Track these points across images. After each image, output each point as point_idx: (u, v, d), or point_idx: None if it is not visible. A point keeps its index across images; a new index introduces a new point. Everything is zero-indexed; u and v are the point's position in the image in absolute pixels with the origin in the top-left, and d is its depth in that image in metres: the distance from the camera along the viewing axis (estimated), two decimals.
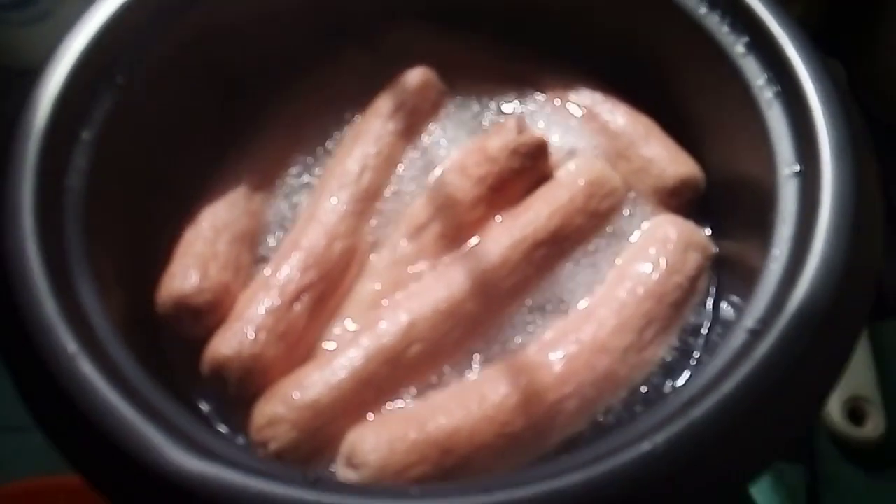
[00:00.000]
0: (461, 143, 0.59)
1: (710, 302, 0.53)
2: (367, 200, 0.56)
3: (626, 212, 0.56)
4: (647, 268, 0.52)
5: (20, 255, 0.39)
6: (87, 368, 0.36)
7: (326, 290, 0.51)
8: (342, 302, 0.52)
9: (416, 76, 0.60)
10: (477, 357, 0.50)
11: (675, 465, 0.34)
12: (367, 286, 0.52)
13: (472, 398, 0.46)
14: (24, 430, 0.75)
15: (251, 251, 0.54)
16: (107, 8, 0.49)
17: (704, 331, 0.52)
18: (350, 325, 0.50)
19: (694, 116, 0.57)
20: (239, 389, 0.47)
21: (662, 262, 0.52)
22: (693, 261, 0.53)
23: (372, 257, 0.54)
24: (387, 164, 0.57)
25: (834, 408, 0.73)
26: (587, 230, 0.54)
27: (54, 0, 0.90)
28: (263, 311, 0.49)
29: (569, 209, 0.54)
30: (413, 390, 0.48)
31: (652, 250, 0.53)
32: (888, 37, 0.85)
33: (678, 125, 0.58)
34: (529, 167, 0.56)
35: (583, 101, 0.61)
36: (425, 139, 0.60)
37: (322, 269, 0.51)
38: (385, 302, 0.51)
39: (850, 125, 0.44)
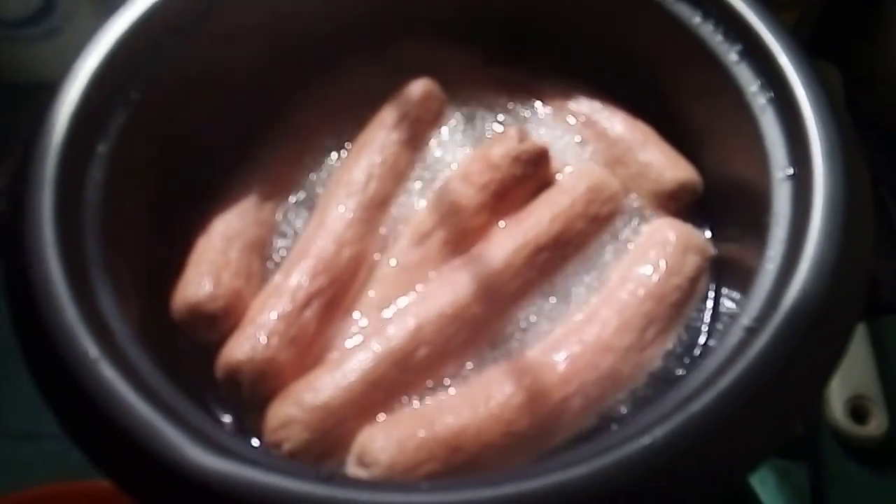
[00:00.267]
0: (464, 151, 0.60)
1: (709, 302, 0.53)
2: (374, 208, 0.56)
3: (625, 216, 0.57)
4: (647, 270, 0.52)
5: (42, 264, 0.40)
6: (109, 372, 0.37)
7: (335, 295, 0.52)
8: (351, 307, 0.52)
9: (418, 87, 0.60)
10: (483, 358, 0.50)
11: (674, 457, 0.35)
12: (375, 292, 0.53)
13: (478, 398, 0.46)
14: (40, 437, 0.77)
15: (262, 258, 0.55)
16: (119, 26, 0.50)
17: (704, 329, 0.52)
18: (362, 321, 0.51)
19: (690, 122, 0.58)
20: (252, 393, 0.47)
21: (662, 264, 0.52)
22: (692, 262, 0.53)
23: (379, 263, 0.54)
24: (392, 173, 0.58)
25: (837, 407, 0.73)
26: (588, 234, 0.55)
27: (65, 17, 0.92)
28: (275, 317, 0.49)
29: (570, 214, 0.54)
30: (421, 391, 0.48)
31: (652, 253, 0.53)
32: (884, 41, 0.86)
33: (675, 131, 0.59)
34: (531, 174, 0.56)
35: (581, 108, 0.61)
36: (429, 148, 0.60)
37: (331, 275, 0.52)
38: (392, 306, 0.52)
39: (841, 130, 0.44)
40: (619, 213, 0.57)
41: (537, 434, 0.46)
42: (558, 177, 0.58)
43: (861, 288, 0.42)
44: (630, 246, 0.55)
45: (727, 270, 0.53)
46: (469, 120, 0.62)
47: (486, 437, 0.44)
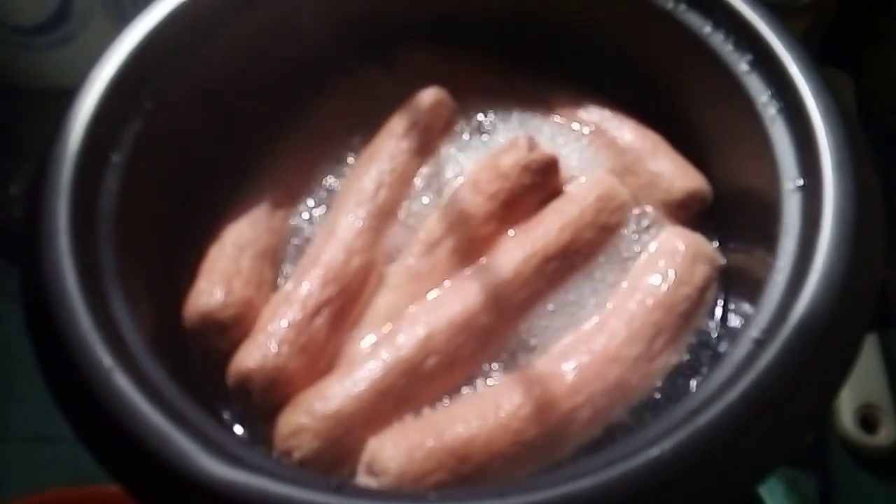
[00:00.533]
0: (473, 160, 0.60)
1: (718, 312, 0.53)
2: (384, 217, 0.56)
3: (635, 225, 0.57)
4: (656, 279, 0.52)
5: (57, 274, 0.40)
6: (123, 381, 0.37)
7: (345, 303, 0.52)
8: (361, 315, 0.53)
9: (428, 96, 0.60)
10: (492, 367, 0.51)
11: (681, 470, 0.35)
12: (385, 300, 0.53)
13: (487, 407, 0.46)
14: (52, 441, 0.77)
15: (273, 267, 0.56)
16: (133, 37, 0.51)
17: (713, 340, 0.52)
18: (372, 330, 0.51)
19: (700, 132, 0.58)
20: (263, 401, 0.48)
21: (671, 274, 0.52)
22: (701, 272, 0.53)
23: (389, 272, 0.55)
24: (402, 182, 0.58)
25: (846, 416, 0.73)
26: (597, 244, 0.55)
27: (80, 24, 0.93)
28: (286, 325, 0.49)
29: (579, 223, 0.54)
30: (430, 400, 0.48)
31: (661, 262, 0.53)
32: (892, 46, 0.86)
33: (685, 140, 0.59)
34: (540, 183, 0.56)
35: (591, 117, 0.62)
36: (438, 157, 0.61)
37: (341, 284, 0.52)
38: (402, 315, 0.52)
39: (851, 141, 0.44)
40: (628, 222, 0.57)
41: (545, 444, 0.46)
42: (567, 186, 0.58)
43: (870, 300, 0.42)
44: (639, 255, 0.55)
45: (736, 281, 0.53)
46: (479, 129, 0.62)
47: (494, 446, 0.44)
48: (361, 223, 0.55)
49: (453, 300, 0.51)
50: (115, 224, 0.46)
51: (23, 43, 0.94)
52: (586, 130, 0.62)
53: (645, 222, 0.57)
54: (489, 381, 0.50)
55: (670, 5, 0.55)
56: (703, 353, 0.51)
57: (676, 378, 0.50)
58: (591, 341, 0.50)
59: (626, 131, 0.60)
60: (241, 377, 0.48)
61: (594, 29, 0.60)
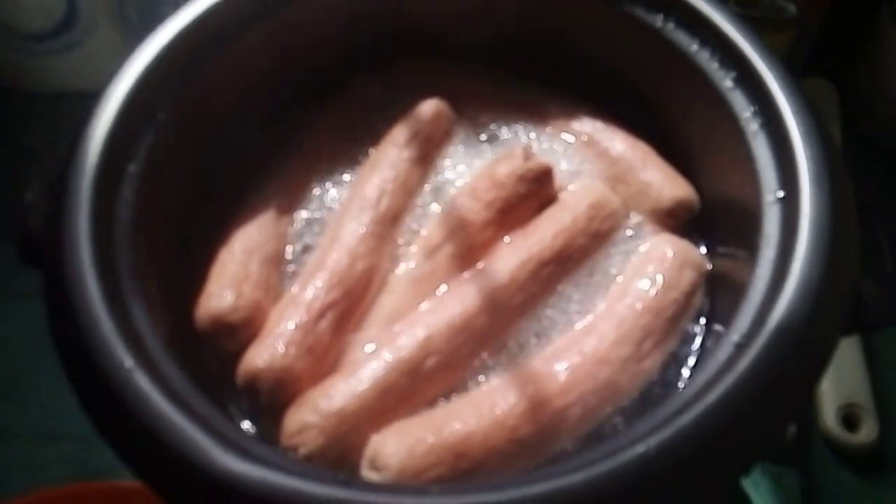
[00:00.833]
0: (471, 168, 0.61)
1: (703, 316, 0.55)
2: (386, 223, 0.57)
3: (625, 232, 0.58)
4: (645, 284, 0.53)
5: (80, 280, 0.42)
6: (143, 381, 0.39)
7: (349, 306, 0.53)
8: (364, 317, 0.54)
9: (429, 107, 0.61)
10: (488, 368, 0.52)
11: (666, 465, 0.37)
12: (387, 303, 0.55)
13: (483, 406, 0.47)
14: (60, 438, 0.78)
15: (279, 271, 0.57)
16: (147, 54, 0.52)
17: (698, 342, 0.54)
18: (374, 331, 0.53)
19: (687, 144, 0.59)
20: (270, 399, 0.49)
21: (660, 279, 0.53)
22: (688, 278, 0.54)
23: (391, 276, 0.56)
24: (403, 189, 0.59)
25: (829, 415, 0.75)
26: (589, 250, 0.56)
27: (86, 31, 0.95)
28: (292, 327, 0.50)
29: (572, 230, 0.55)
30: (430, 398, 0.50)
31: (650, 268, 0.54)
32: (879, 61, 0.87)
33: (673, 151, 0.60)
34: (535, 192, 0.57)
35: (584, 128, 0.62)
36: (438, 166, 0.62)
37: (345, 287, 0.53)
38: (403, 317, 0.53)
39: (828, 155, 0.46)
40: (619, 229, 0.58)
41: (539, 440, 0.47)
42: (561, 194, 0.59)
43: (844, 307, 0.44)
44: (629, 261, 0.56)
45: (721, 286, 0.55)
46: (477, 139, 0.63)
47: (490, 442, 0.46)
48: (365, 229, 0.56)
49: (452, 303, 0.52)
50: (131, 231, 0.47)
51: (30, 49, 0.95)
52: (579, 141, 0.63)
53: (635, 229, 0.58)
54: (486, 381, 0.51)
55: (660, 24, 0.56)
56: (690, 355, 0.53)
57: (664, 378, 0.51)
58: (583, 343, 0.51)
59: (618, 142, 0.61)
60: (251, 376, 0.49)
61: (588, 44, 0.62)
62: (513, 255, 0.55)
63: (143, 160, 0.51)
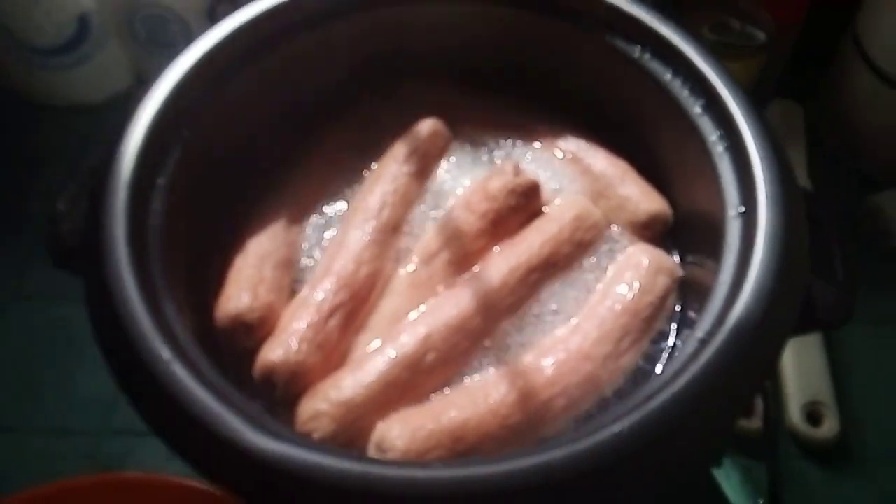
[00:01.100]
0: (465, 182, 0.64)
1: (676, 316, 0.57)
2: (388, 231, 0.60)
3: (606, 242, 0.61)
4: (623, 289, 0.56)
5: (120, 282, 0.46)
6: (180, 371, 0.42)
7: (355, 307, 0.56)
8: (368, 317, 0.57)
9: (426, 126, 0.65)
10: (482, 362, 0.54)
11: (639, 443, 0.41)
12: (389, 304, 0.57)
13: (478, 396, 0.50)
14: (72, 433, 0.80)
15: (289, 275, 0.60)
16: (172, 76, 0.56)
17: (671, 340, 0.56)
18: (378, 330, 0.56)
19: (662, 162, 0.62)
20: (286, 391, 0.52)
21: (636, 284, 0.56)
22: (662, 283, 0.57)
23: (392, 280, 0.58)
24: (403, 201, 0.62)
25: (794, 411, 0.77)
26: (573, 257, 0.59)
27: (96, 46, 0.98)
28: (304, 326, 0.53)
29: (558, 240, 0.58)
30: (430, 389, 0.52)
31: (628, 274, 0.57)
32: (840, 82, 0.92)
33: (649, 169, 0.63)
34: (524, 204, 0.60)
35: (569, 147, 0.65)
36: (435, 179, 0.65)
37: (351, 290, 0.56)
38: (405, 317, 0.56)
39: (783, 175, 0.50)
40: (600, 239, 0.61)
41: (527, 427, 0.50)
42: (548, 207, 0.62)
43: (794, 308, 0.48)
44: (609, 268, 0.59)
45: (691, 290, 0.58)
46: (471, 155, 0.66)
47: (484, 428, 0.49)
48: (368, 237, 0.59)
49: (449, 305, 0.55)
50: (160, 239, 0.51)
51: (42, 63, 0.98)
52: (564, 158, 0.66)
53: (614, 239, 0.61)
54: (480, 374, 0.54)
55: (637, 54, 0.59)
56: (663, 351, 0.56)
57: (640, 372, 0.55)
58: (567, 341, 0.54)
59: (599, 159, 0.64)
60: (267, 370, 0.52)
61: (573, 71, 0.65)
62: (504, 261, 0.58)
63: (170, 174, 0.54)
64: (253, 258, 0.59)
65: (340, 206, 0.64)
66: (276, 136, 0.65)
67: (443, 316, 0.54)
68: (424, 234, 0.61)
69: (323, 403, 0.50)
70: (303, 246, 0.62)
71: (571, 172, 0.65)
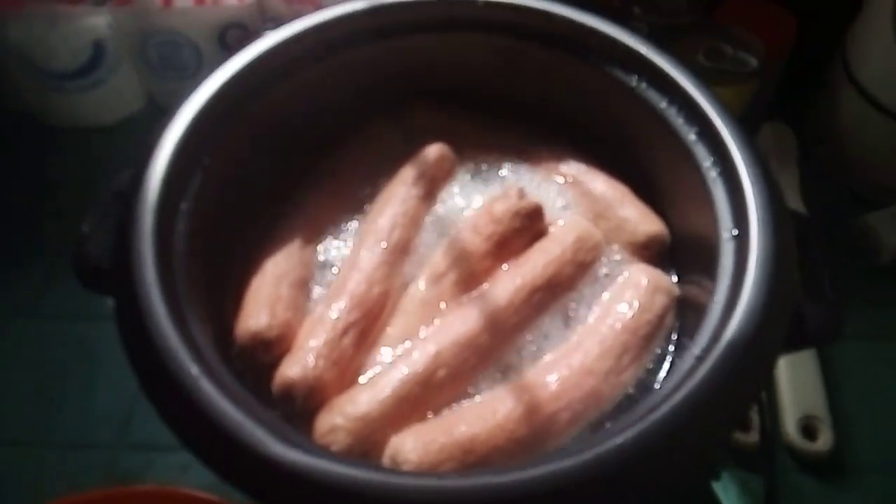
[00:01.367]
0: (471, 205, 0.65)
1: (674, 334, 0.59)
2: (398, 252, 0.62)
3: (606, 262, 0.62)
4: (623, 307, 0.58)
5: (149, 303, 0.48)
6: (207, 386, 0.44)
7: (368, 325, 0.57)
8: (381, 335, 0.58)
9: (434, 150, 0.66)
10: (490, 378, 0.56)
11: (640, 453, 0.42)
12: (400, 322, 0.58)
13: (486, 411, 0.52)
14: (89, 446, 0.82)
15: (304, 294, 0.62)
16: (193, 105, 0.58)
17: (668, 357, 0.58)
18: (391, 347, 0.58)
19: (659, 186, 0.64)
20: (304, 405, 0.54)
21: (636, 303, 0.58)
22: (660, 302, 0.58)
23: (403, 299, 0.60)
24: (412, 223, 0.64)
25: (790, 425, 0.79)
26: (575, 277, 0.60)
27: (109, 70, 1.01)
28: (321, 343, 0.55)
29: (560, 260, 0.59)
30: (441, 405, 0.54)
31: (627, 293, 0.59)
32: (829, 105, 0.94)
33: (647, 192, 0.65)
34: (528, 226, 0.62)
35: (570, 171, 0.67)
36: (442, 202, 0.66)
37: (364, 309, 0.57)
38: (415, 335, 0.57)
39: (773, 200, 0.52)
40: (601, 259, 0.62)
41: (533, 440, 0.51)
42: (551, 229, 0.64)
43: (784, 327, 0.50)
44: (609, 287, 0.61)
45: (688, 309, 0.59)
46: (476, 179, 0.68)
47: (493, 442, 0.50)
48: (379, 258, 0.60)
49: (457, 323, 0.56)
50: (184, 261, 0.53)
51: (57, 87, 1.01)
52: (566, 182, 0.67)
53: (614, 260, 0.63)
54: (488, 389, 0.55)
55: (634, 83, 0.61)
56: (661, 367, 0.58)
57: (640, 387, 0.56)
58: (570, 357, 0.55)
59: (599, 183, 0.66)
60: (287, 386, 0.54)
61: (573, 99, 0.67)
62: (509, 281, 0.59)
63: (192, 199, 0.56)
64: (270, 277, 0.61)
65: (353, 226, 0.66)
66: (289, 161, 0.66)
67: (452, 334, 0.56)
68: (432, 255, 0.62)
69: (339, 418, 0.52)
70: (317, 266, 0.64)
71: (573, 195, 0.67)
